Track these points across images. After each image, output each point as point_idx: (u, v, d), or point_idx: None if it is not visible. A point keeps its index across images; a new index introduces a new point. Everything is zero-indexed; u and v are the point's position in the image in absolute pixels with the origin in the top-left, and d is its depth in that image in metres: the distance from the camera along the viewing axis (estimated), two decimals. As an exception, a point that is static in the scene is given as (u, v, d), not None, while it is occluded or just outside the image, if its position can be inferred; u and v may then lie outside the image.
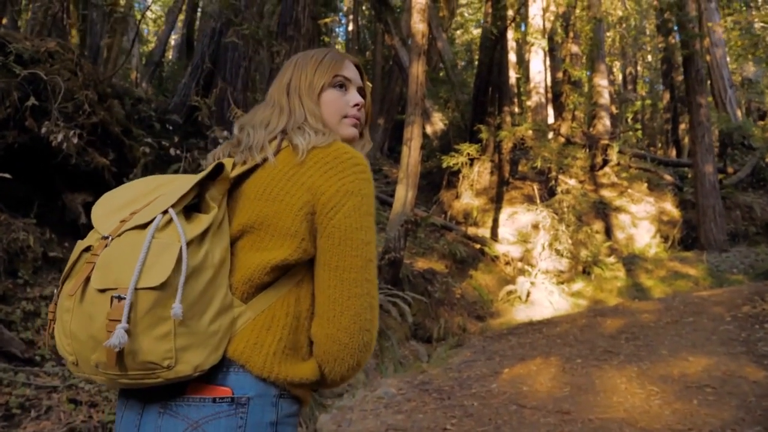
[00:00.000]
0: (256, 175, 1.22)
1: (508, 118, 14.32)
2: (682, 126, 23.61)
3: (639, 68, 30.51)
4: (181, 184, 1.16)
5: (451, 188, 14.18)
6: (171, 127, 8.34)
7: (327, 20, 22.13)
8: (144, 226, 1.06)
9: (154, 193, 1.18)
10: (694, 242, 13.72)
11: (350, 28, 27.12)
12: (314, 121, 1.29)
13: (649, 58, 30.98)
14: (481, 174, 13.96)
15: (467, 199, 13.70)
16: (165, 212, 1.08)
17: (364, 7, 24.58)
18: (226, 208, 1.20)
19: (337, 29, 29.89)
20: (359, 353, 1.16)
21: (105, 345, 0.97)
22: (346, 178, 1.17)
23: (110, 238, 1.06)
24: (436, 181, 14.98)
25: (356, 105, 1.38)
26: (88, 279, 1.02)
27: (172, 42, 25.34)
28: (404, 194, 7.63)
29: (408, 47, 18.25)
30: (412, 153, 7.66)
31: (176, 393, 1.10)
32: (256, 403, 1.12)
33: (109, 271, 1.01)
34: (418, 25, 7.92)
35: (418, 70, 7.75)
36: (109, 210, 1.17)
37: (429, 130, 16.38)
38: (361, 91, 1.42)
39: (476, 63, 16.71)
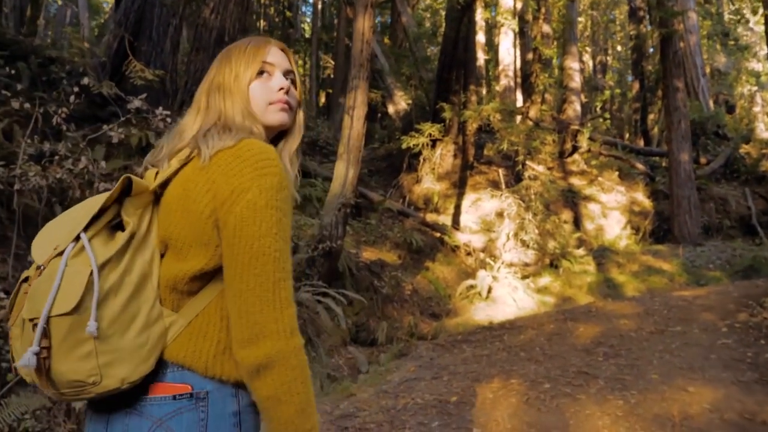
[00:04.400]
0: (172, 184, 1.18)
1: (474, 98, 12.95)
2: (651, 116, 22.61)
3: (609, 58, 29.43)
4: (95, 204, 1.13)
5: (412, 171, 12.78)
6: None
7: (288, -7, 20.52)
8: (62, 253, 1.06)
9: (88, 216, 1.12)
10: (666, 234, 12.61)
11: (319, 7, 25.50)
12: (234, 116, 1.22)
13: (619, 48, 29.93)
14: (443, 157, 12.58)
15: (428, 183, 12.31)
16: (78, 238, 1.07)
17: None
18: (151, 221, 1.18)
19: (303, 8, 28.24)
20: (253, 353, 1.07)
21: (17, 366, 1.02)
22: (244, 176, 1.11)
23: (42, 268, 1.06)
24: (396, 164, 13.56)
25: (281, 89, 1.27)
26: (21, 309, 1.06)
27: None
28: (344, 172, 6.19)
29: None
30: (354, 124, 6.22)
31: (140, 394, 1.12)
32: (215, 396, 1.13)
33: (33, 301, 1.02)
34: (366, -29, 6.46)
35: (363, 25, 6.29)
36: (47, 239, 1.13)
37: (391, 109, 14.96)
38: (289, 74, 1.32)
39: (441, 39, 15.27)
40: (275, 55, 1.30)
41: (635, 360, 4.67)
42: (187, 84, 7.29)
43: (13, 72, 6.96)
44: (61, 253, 1.05)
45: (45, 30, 21.55)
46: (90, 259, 1.04)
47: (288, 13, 22.80)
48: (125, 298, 1.07)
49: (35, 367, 0.99)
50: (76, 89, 3.58)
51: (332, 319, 5.55)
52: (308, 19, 28.27)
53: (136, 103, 3.60)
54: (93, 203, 1.15)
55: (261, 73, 1.27)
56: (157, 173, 1.21)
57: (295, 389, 1.08)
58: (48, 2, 21.84)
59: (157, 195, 1.20)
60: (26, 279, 1.09)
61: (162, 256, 1.18)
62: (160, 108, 3.80)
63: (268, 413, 1.09)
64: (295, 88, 1.33)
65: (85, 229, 1.08)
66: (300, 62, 26.33)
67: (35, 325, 0.99)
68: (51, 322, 0.99)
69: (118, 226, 1.15)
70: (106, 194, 1.14)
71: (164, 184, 1.19)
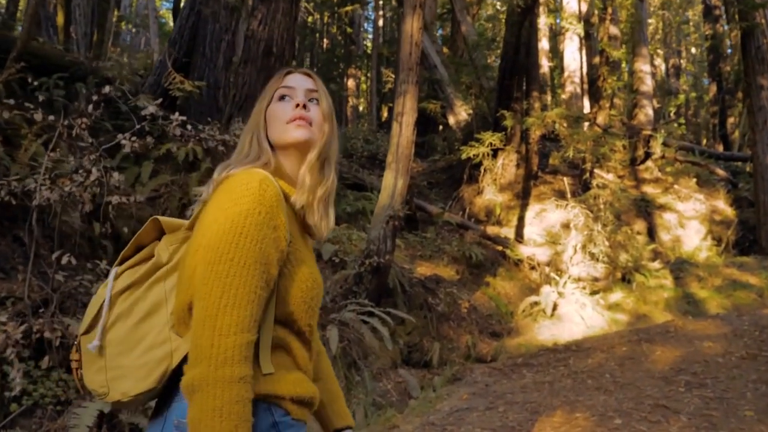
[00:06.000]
0: None
1: (537, 104, 12.26)
2: (731, 120, 21.09)
3: (683, 61, 27.78)
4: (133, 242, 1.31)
5: (473, 183, 12.20)
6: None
7: (348, 8, 20.46)
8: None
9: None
10: (752, 245, 11.47)
11: (380, 23, 25.44)
12: (244, 146, 1.29)
13: (693, 50, 28.27)
14: (505, 167, 11.95)
15: (490, 194, 11.71)
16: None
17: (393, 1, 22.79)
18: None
19: (365, 25, 28.23)
20: (187, 374, 1.08)
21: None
22: (220, 206, 1.14)
23: None
24: (456, 176, 13.03)
25: (297, 105, 1.30)
26: None
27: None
28: (393, 183, 5.76)
29: (429, 32, 16.37)
30: (403, 131, 5.78)
31: (182, 416, 1.13)
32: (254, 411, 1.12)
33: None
34: (414, -29, 6.05)
35: (412, 27, 5.87)
36: None
37: (452, 120, 14.48)
38: (311, 94, 1.34)
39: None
40: (295, 80, 1.34)
41: (724, 392, 3.98)
42: (234, 97, 7.10)
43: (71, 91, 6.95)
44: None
45: (120, 56, 22.40)
46: (107, 288, 1.20)
47: (349, 30, 22.77)
48: (133, 322, 1.18)
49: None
50: (95, 98, 3.35)
51: (379, 340, 5.11)
52: (370, 35, 28.23)
53: (150, 109, 3.33)
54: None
55: (283, 97, 1.32)
56: None
57: (211, 422, 1.03)
58: (122, 30, 22.73)
59: None
60: None
61: None
62: (176, 113, 3.53)
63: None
64: (320, 107, 1.34)
65: (120, 263, 1.26)
66: (362, 78, 26.29)
67: (73, 342, 1.23)
68: (80, 340, 1.20)
69: None
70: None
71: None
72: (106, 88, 3.62)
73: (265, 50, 7.16)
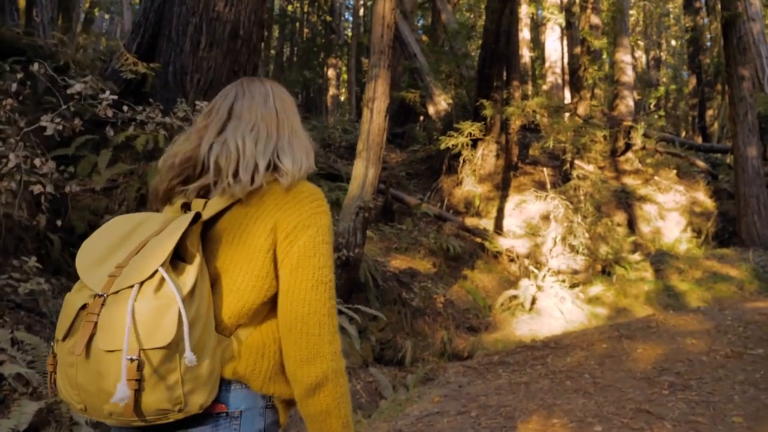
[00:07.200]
0: (229, 215, 1.24)
1: (517, 94, 11.96)
2: (710, 112, 21.04)
3: (663, 54, 27.68)
4: (162, 232, 1.17)
5: (452, 174, 11.89)
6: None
7: (327, -3, 19.98)
8: (140, 284, 1.08)
9: (133, 236, 1.19)
10: (731, 237, 11.32)
11: (361, 12, 24.99)
12: (303, 157, 1.31)
13: (673, 42, 28.20)
14: (485, 157, 11.64)
15: (469, 185, 11.40)
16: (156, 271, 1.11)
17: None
18: (201, 249, 1.21)
19: (346, 15, 27.73)
20: (313, 372, 1.16)
21: (112, 401, 1.01)
22: (303, 213, 1.21)
23: (105, 296, 1.07)
24: (435, 167, 12.71)
25: None
26: (91, 338, 1.05)
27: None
28: (363, 172, 5.41)
29: (409, 20, 15.99)
30: (374, 118, 5.43)
31: None
32: (246, 415, 1.20)
33: (115, 333, 1.03)
34: (386, -52, 5.67)
35: (384, 7, 5.52)
36: (93, 260, 1.16)
37: (431, 110, 14.14)
38: None
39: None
40: None
41: (710, 394, 3.72)
42: (199, 81, 6.72)
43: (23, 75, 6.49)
44: (139, 284, 1.07)
45: (97, 44, 21.71)
46: (175, 293, 1.07)
47: (329, 18, 22.31)
48: (201, 329, 1.11)
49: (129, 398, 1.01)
50: (20, 75, 2.98)
51: (348, 338, 4.78)
52: (351, 25, 27.75)
53: (77, 87, 2.97)
54: (154, 223, 1.20)
55: None
56: (205, 203, 1.24)
57: (342, 404, 1.19)
58: (96, 17, 22.02)
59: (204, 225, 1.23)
60: (84, 306, 1.09)
61: (211, 284, 1.20)
62: (108, 92, 3.17)
63: (318, 426, 1.18)
64: None
65: (163, 263, 1.12)
66: (342, 67, 25.84)
67: (128, 359, 1.01)
68: (145, 355, 1.03)
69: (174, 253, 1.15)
70: (176, 228, 1.15)
71: (221, 212, 1.23)
72: (35, 66, 3.23)
73: (231, 33, 6.77)
